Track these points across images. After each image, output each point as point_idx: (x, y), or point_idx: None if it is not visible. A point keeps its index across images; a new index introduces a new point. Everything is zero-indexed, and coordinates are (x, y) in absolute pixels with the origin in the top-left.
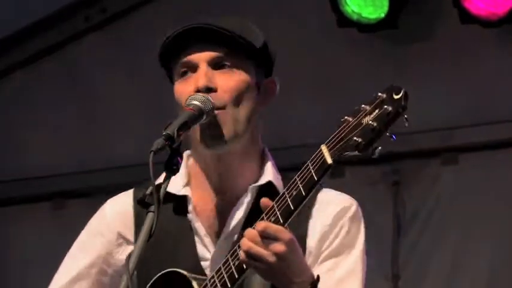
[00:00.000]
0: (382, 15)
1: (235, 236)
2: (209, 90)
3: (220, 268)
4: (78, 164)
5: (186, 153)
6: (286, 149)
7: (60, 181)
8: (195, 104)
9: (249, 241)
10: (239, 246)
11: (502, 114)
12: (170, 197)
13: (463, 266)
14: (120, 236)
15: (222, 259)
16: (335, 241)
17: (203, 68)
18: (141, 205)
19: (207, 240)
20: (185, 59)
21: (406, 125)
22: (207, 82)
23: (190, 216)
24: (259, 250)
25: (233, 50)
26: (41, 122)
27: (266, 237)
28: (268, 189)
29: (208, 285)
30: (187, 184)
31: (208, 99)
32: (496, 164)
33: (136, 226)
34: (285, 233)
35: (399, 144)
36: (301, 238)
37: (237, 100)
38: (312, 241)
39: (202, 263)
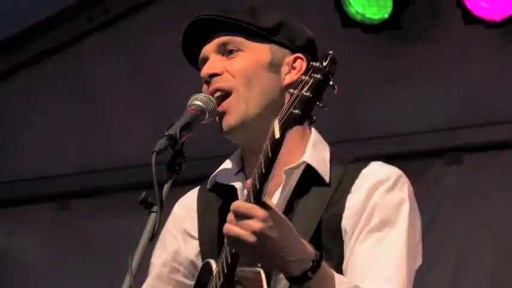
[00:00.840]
0: (386, 15)
1: None
2: (213, 76)
3: (221, 255)
4: (81, 164)
5: None
6: None
7: (63, 182)
8: (197, 104)
9: (228, 224)
10: None
11: (506, 114)
12: (223, 187)
13: (467, 266)
14: (186, 232)
15: None
16: (372, 218)
17: (211, 57)
18: (143, 205)
19: None
20: (201, 55)
21: (335, 92)
22: (209, 69)
23: (240, 197)
24: (237, 230)
25: (237, 35)
26: (44, 123)
27: (241, 217)
28: (307, 171)
29: (215, 272)
30: (241, 170)
31: (210, 99)
32: (500, 164)
33: (199, 221)
34: (257, 210)
35: (403, 144)
36: (336, 216)
37: (247, 80)
38: (346, 218)
39: None
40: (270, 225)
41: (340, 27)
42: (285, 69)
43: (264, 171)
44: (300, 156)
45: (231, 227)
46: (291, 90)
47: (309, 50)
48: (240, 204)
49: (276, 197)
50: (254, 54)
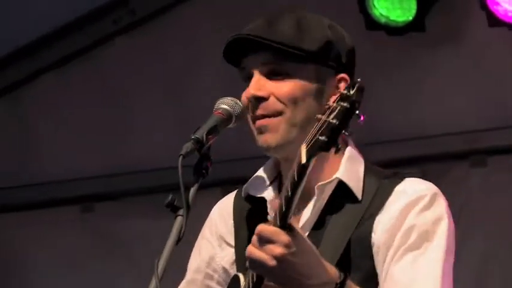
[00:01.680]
0: (410, 18)
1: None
2: (259, 100)
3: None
4: (106, 167)
5: None
6: None
7: (88, 184)
8: (224, 108)
9: (251, 246)
10: None
11: None
12: (253, 199)
13: (491, 268)
14: (222, 238)
15: None
16: (409, 237)
17: (256, 76)
18: (169, 208)
19: None
20: (243, 66)
21: (359, 121)
22: (256, 91)
23: (268, 217)
24: (259, 254)
25: (285, 58)
26: (69, 126)
27: (264, 241)
28: (340, 187)
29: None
30: (274, 181)
31: (237, 103)
32: None
33: (235, 228)
34: (281, 235)
35: (426, 147)
36: (367, 233)
37: (294, 105)
38: (378, 236)
39: None
40: (292, 252)
41: (364, 29)
42: (329, 90)
43: (290, 194)
44: (334, 171)
45: (253, 250)
46: (319, 116)
47: (351, 63)
48: (264, 228)
49: (307, 212)
50: (301, 78)
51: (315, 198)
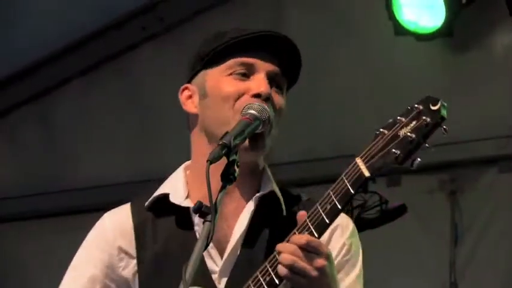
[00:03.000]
0: (439, 23)
1: (239, 248)
2: (268, 100)
3: (249, 285)
4: (134, 173)
5: (184, 166)
6: (343, 157)
7: (116, 191)
8: (252, 113)
9: (291, 255)
10: (270, 262)
11: None
12: (172, 208)
13: None
14: (121, 250)
15: (229, 271)
16: (336, 259)
17: (265, 77)
18: (198, 214)
19: (214, 252)
20: (249, 61)
21: (445, 135)
22: (270, 91)
23: (197, 228)
24: (303, 265)
25: (285, 72)
26: (98, 132)
27: (308, 251)
28: (269, 200)
29: None
30: (188, 197)
31: (264, 108)
32: None
33: (136, 239)
34: (325, 247)
35: (456, 152)
36: None
37: (278, 121)
38: None
39: (213, 276)
40: (331, 264)
41: (393, 35)
42: None
43: (339, 207)
44: (257, 185)
45: (297, 261)
46: (383, 130)
47: None
48: (311, 239)
49: (243, 221)
50: (283, 97)
51: (251, 208)
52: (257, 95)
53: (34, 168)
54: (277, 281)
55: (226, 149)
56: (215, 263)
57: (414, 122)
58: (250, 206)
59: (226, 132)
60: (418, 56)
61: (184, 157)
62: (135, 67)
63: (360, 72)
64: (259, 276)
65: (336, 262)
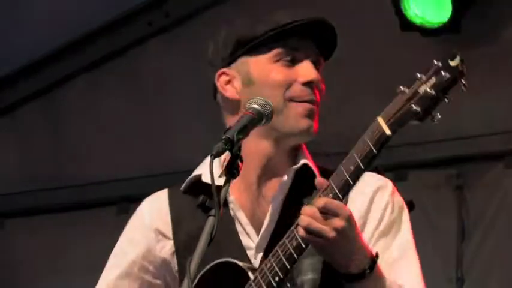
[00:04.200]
0: (445, 19)
1: (275, 222)
2: (315, 85)
3: (276, 251)
4: (142, 168)
5: None
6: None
7: (125, 186)
8: (255, 108)
9: (308, 217)
10: (296, 226)
11: None
12: (207, 189)
13: None
14: (159, 232)
15: (265, 247)
16: (382, 220)
17: (309, 62)
18: (201, 209)
19: (249, 228)
20: (296, 47)
21: (464, 90)
22: (318, 77)
23: (231, 205)
24: (319, 225)
25: (327, 55)
26: (105, 127)
27: (325, 213)
28: (304, 172)
29: (265, 269)
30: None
31: (267, 102)
32: None
33: (173, 222)
34: (344, 209)
35: (463, 147)
36: None
37: (320, 99)
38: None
39: (248, 252)
40: (350, 225)
41: (399, 30)
42: None
43: (363, 167)
44: (293, 158)
45: (313, 222)
46: (402, 88)
47: None
48: (329, 201)
49: (279, 196)
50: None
51: (285, 181)
52: (308, 83)
53: (41, 163)
54: (303, 245)
55: (229, 144)
56: (251, 239)
57: (434, 78)
58: (286, 180)
59: (230, 127)
60: (424, 52)
61: (191, 151)
62: (141, 62)
63: (365, 67)
64: (287, 242)
65: (384, 222)
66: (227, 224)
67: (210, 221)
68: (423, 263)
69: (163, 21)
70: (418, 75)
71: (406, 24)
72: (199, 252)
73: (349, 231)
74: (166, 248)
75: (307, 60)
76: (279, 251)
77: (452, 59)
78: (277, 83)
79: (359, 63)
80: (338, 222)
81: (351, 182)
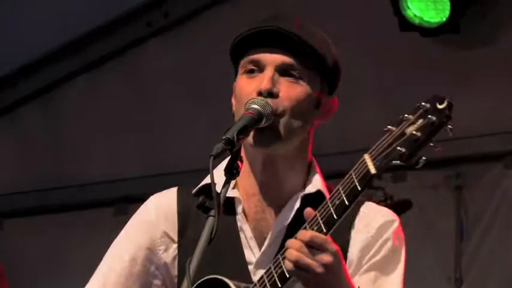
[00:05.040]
0: (444, 19)
1: (279, 242)
2: (270, 95)
3: (262, 277)
4: (141, 169)
5: None
6: (348, 153)
7: (123, 186)
8: (255, 108)
9: (296, 251)
10: (282, 255)
11: None
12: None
13: None
14: (164, 233)
15: (265, 264)
16: (379, 253)
17: (270, 71)
18: (201, 210)
19: (253, 243)
20: (255, 57)
21: (450, 135)
22: (271, 86)
23: (239, 217)
24: (308, 261)
25: (302, 60)
26: (103, 128)
27: (312, 247)
28: (316, 199)
29: None
30: (235, 186)
31: (267, 102)
32: None
33: (179, 226)
34: (331, 244)
35: (462, 148)
36: (342, 248)
37: (295, 111)
38: (353, 251)
39: (249, 267)
40: (338, 260)
41: (398, 30)
42: (323, 107)
43: (347, 203)
44: (303, 182)
45: (302, 257)
46: (390, 127)
47: (336, 87)
48: (316, 235)
49: (286, 217)
50: (309, 87)
51: (296, 205)
52: (259, 93)
53: (40, 163)
54: (287, 275)
55: (229, 144)
56: (253, 254)
57: (421, 121)
58: (295, 203)
59: (230, 127)
60: (423, 52)
61: (190, 152)
62: (141, 62)
63: (364, 67)
64: (272, 268)
65: (381, 254)
66: (232, 236)
67: (210, 221)
68: (422, 263)
69: (163, 22)
70: (406, 115)
71: (405, 24)
72: (199, 253)
73: (336, 266)
74: (169, 251)
75: (269, 67)
76: (265, 277)
77: (441, 103)
78: (239, 95)
79: (359, 63)
80: (326, 258)
81: (335, 217)
